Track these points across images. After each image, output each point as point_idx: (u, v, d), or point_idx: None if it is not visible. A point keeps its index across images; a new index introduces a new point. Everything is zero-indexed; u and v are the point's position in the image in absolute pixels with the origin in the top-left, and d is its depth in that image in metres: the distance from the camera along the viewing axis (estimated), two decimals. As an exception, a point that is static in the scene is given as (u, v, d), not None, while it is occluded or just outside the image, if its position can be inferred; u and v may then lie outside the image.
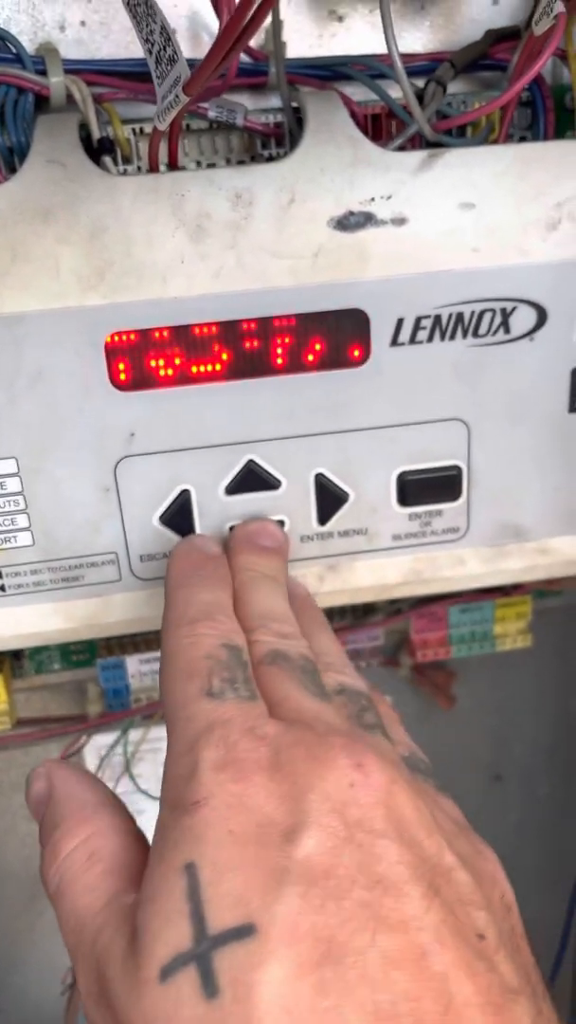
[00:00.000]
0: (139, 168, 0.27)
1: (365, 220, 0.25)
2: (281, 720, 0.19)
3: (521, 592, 0.37)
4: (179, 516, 0.28)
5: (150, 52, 0.21)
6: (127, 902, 0.18)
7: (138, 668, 0.36)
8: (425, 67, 0.29)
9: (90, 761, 0.42)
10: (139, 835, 0.20)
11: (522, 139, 0.29)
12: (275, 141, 0.28)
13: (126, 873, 0.19)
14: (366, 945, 0.15)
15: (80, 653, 0.37)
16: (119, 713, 0.36)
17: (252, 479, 0.28)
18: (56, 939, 0.44)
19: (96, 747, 0.42)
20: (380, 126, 0.28)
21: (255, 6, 0.17)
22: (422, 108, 0.26)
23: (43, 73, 0.27)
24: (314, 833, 0.17)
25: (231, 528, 0.28)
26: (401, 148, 0.26)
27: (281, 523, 0.28)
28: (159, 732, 0.42)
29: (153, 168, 0.25)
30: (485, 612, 0.37)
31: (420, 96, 0.27)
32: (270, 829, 0.17)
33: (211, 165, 0.28)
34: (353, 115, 0.27)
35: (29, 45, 0.28)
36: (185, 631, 0.21)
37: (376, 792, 0.18)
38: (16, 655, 0.36)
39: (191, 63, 0.26)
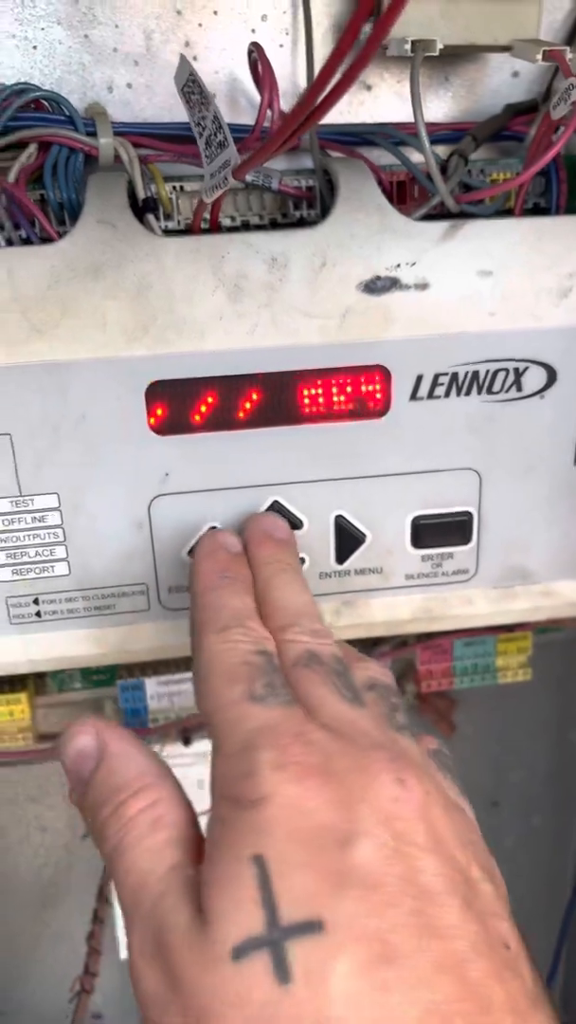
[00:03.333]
0: (179, 223, 0.29)
1: (391, 284, 0.27)
2: (322, 726, 0.20)
3: (523, 629, 0.38)
4: (206, 552, 0.29)
5: (200, 134, 0.23)
6: (190, 874, 0.19)
7: (156, 690, 0.37)
8: (447, 136, 0.31)
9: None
10: (192, 809, 0.21)
11: (535, 204, 0.31)
12: (306, 203, 0.30)
13: (188, 846, 0.20)
14: (417, 950, 0.17)
15: (100, 674, 0.38)
16: (136, 732, 0.37)
17: (276, 519, 0.29)
18: (64, 948, 0.45)
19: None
20: (404, 191, 0.30)
21: (318, 101, 0.19)
22: (445, 179, 0.28)
23: (93, 134, 0.29)
24: (367, 842, 0.18)
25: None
26: (425, 215, 0.28)
27: (302, 561, 0.30)
28: (174, 750, 0.44)
29: (196, 229, 0.27)
30: (487, 646, 0.39)
31: (443, 167, 0.29)
32: (326, 833, 0.18)
33: (245, 222, 0.30)
34: (379, 181, 0.29)
35: (78, 104, 0.30)
36: (220, 638, 0.23)
37: (416, 807, 0.19)
38: (39, 675, 0.38)
39: (230, 129, 0.28)
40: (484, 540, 0.31)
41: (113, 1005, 0.51)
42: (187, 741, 0.43)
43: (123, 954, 0.50)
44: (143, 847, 0.20)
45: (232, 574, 0.25)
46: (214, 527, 0.29)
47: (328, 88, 0.15)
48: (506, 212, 0.29)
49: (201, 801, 0.43)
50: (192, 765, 0.46)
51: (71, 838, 0.46)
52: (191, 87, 0.23)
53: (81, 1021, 0.42)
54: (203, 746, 0.44)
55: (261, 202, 0.30)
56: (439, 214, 0.28)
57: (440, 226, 0.27)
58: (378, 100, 0.31)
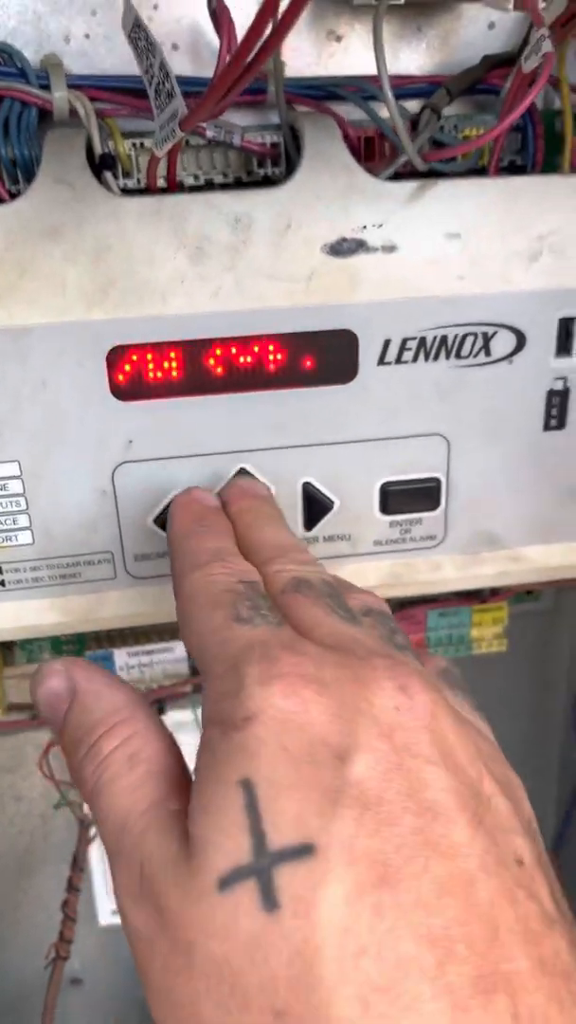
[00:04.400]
0: (138, 181, 0.28)
1: (357, 247, 0.27)
2: (316, 641, 0.19)
3: (498, 599, 0.38)
4: (172, 520, 0.29)
5: (149, 83, 0.22)
6: (172, 808, 0.18)
7: (126, 661, 0.37)
8: (421, 89, 0.30)
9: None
10: (172, 741, 0.20)
11: (511, 163, 0.30)
12: (271, 160, 0.29)
13: (167, 778, 0.19)
14: (419, 871, 0.16)
15: (70, 644, 0.38)
16: (108, 702, 0.37)
17: (243, 486, 0.29)
18: (40, 915, 0.46)
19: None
20: (374, 148, 0.29)
21: (255, 50, 0.18)
22: (416, 134, 0.27)
23: (47, 87, 0.28)
24: (365, 756, 0.17)
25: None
26: (395, 174, 0.27)
27: (269, 528, 0.30)
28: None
29: (152, 187, 0.26)
30: (462, 616, 0.39)
31: (415, 121, 0.28)
32: (322, 748, 0.17)
33: (208, 180, 0.29)
34: (347, 137, 0.28)
35: (33, 56, 0.29)
36: (199, 574, 0.21)
37: (421, 716, 0.18)
38: (7, 645, 0.38)
39: (192, 81, 0.27)
40: (452, 506, 0.30)
41: (92, 970, 0.52)
42: (162, 711, 0.43)
43: (102, 920, 0.51)
44: (121, 785, 0.19)
45: (209, 522, 0.24)
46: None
47: (267, 32, 0.14)
48: (480, 171, 0.29)
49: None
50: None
51: (46, 807, 0.46)
52: (137, 33, 0.22)
53: (56, 986, 0.43)
54: (179, 715, 0.44)
55: (225, 159, 0.29)
56: (410, 173, 0.27)
57: (408, 186, 0.27)
58: (348, 52, 0.31)
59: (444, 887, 0.16)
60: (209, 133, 0.28)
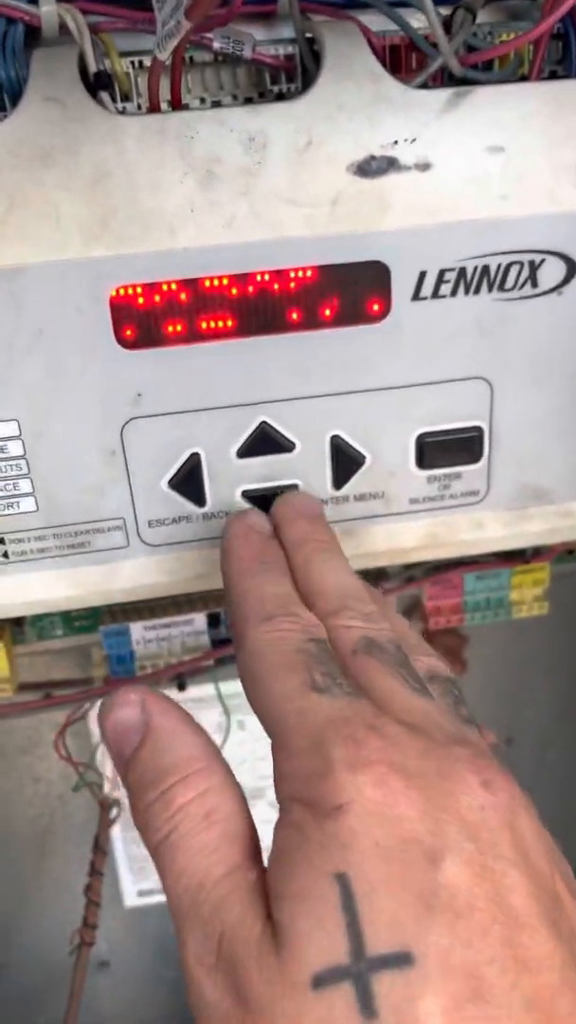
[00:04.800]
0: (139, 106, 0.25)
1: (387, 165, 0.24)
2: (396, 720, 0.19)
3: (541, 559, 0.36)
4: (189, 480, 0.26)
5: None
6: (251, 878, 0.18)
7: (142, 635, 0.35)
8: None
9: (95, 727, 0.42)
10: (244, 799, 0.19)
11: (552, 74, 0.27)
12: (286, 76, 0.26)
13: (244, 843, 0.18)
14: (510, 986, 0.16)
15: (83, 619, 0.36)
16: (123, 680, 0.35)
17: (265, 441, 0.26)
18: (64, 897, 0.44)
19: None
20: (400, 59, 0.26)
21: None
22: (449, 38, 0.24)
23: (34, 1, 0.25)
24: (456, 859, 0.16)
25: (243, 494, 0.27)
26: (424, 85, 0.24)
27: (295, 487, 0.27)
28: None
29: (154, 105, 0.23)
30: (502, 579, 0.36)
31: (447, 25, 0.25)
32: (413, 847, 0.16)
33: (216, 102, 0.26)
34: (371, 47, 0.25)
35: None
36: (266, 627, 0.21)
37: (504, 814, 0.17)
38: (17, 621, 0.36)
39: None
40: (496, 458, 0.28)
41: (119, 952, 0.51)
42: (182, 686, 0.41)
43: (127, 902, 0.49)
44: (197, 843, 0.18)
45: (270, 559, 0.23)
46: (195, 453, 0.26)
47: None
48: (520, 81, 0.26)
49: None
50: (192, 710, 0.44)
51: (64, 789, 0.44)
52: None
53: (82, 972, 0.41)
54: (200, 691, 0.42)
55: (234, 78, 0.26)
56: (443, 86, 0.24)
57: (443, 94, 0.23)
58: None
59: (532, 1002, 0.16)
60: (216, 44, 0.25)
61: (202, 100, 0.26)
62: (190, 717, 0.21)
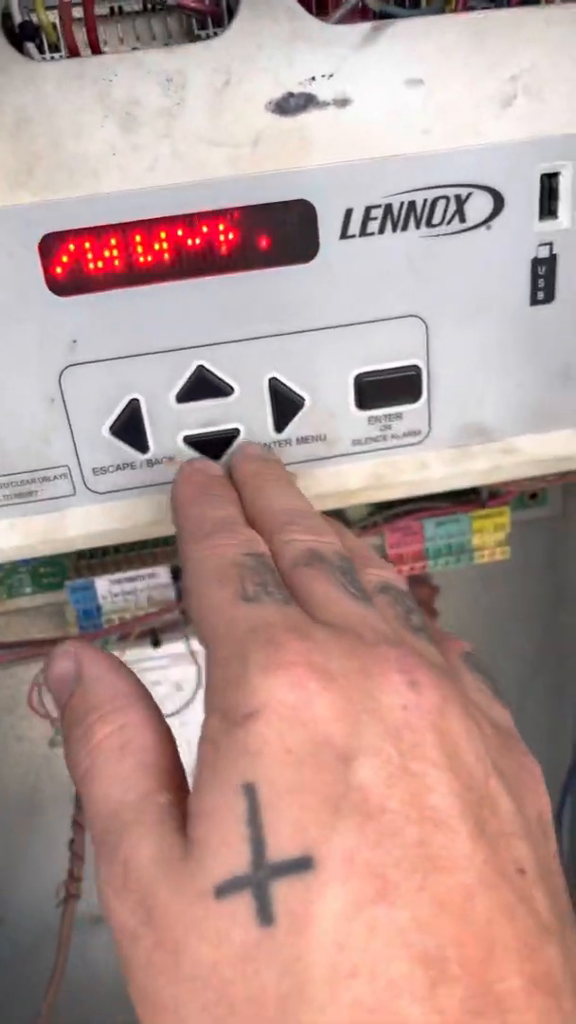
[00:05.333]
0: (69, 54, 0.25)
1: (306, 102, 0.24)
2: (324, 624, 0.18)
3: (498, 502, 0.36)
4: (130, 426, 0.27)
5: None
6: (162, 801, 0.18)
7: (108, 589, 0.35)
8: None
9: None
10: (168, 733, 0.20)
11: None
12: (213, 21, 0.26)
13: (157, 771, 0.19)
14: (417, 887, 0.15)
15: (50, 576, 0.36)
16: (90, 635, 0.35)
17: (203, 386, 0.27)
18: (54, 853, 0.45)
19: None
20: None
21: None
22: (367, -24, 0.24)
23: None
24: (370, 760, 0.16)
25: (185, 439, 0.27)
26: (345, 21, 0.24)
27: (236, 431, 0.28)
28: (137, 654, 0.42)
29: (72, 51, 0.23)
30: (462, 524, 0.37)
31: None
32: (326, 749, 0.16)
33: (150, 53, 0.26)
34: (295, -14, 0.25)
35: None
36: (205, 544, 0.21)
37: (429, 713, 0.17)
38: (-13, 580, 0.36)
39: None
40: (435, 396, 0.28)
41: (112, 908, 0.52)
42: (156, 643, 0.42)
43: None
44: (111, 773, 0.19)
45: (214, 491, 0.24)
46: (135, 399, 0.27)
47: None
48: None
49: (180, 701, 0.42)
50: (168, 667, 0.45)
51: (47, 746, 0.45)
52: None
53: (68, 925, 0.42)
54: (175, 647, 0.43)
55: (165, 27, 0.26)
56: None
57: (360, 28, 0.24)
58: None
59: (442, 904, 0.15)
60: (139, -10, 0.25)
61: (134, 50, 0.26)
62: (119, 663, 0.21)
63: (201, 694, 0.42)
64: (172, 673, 0.44)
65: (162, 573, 0.36)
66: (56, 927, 0.43)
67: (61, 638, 0.40)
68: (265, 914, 0.15)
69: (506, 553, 0.37)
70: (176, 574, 0.36)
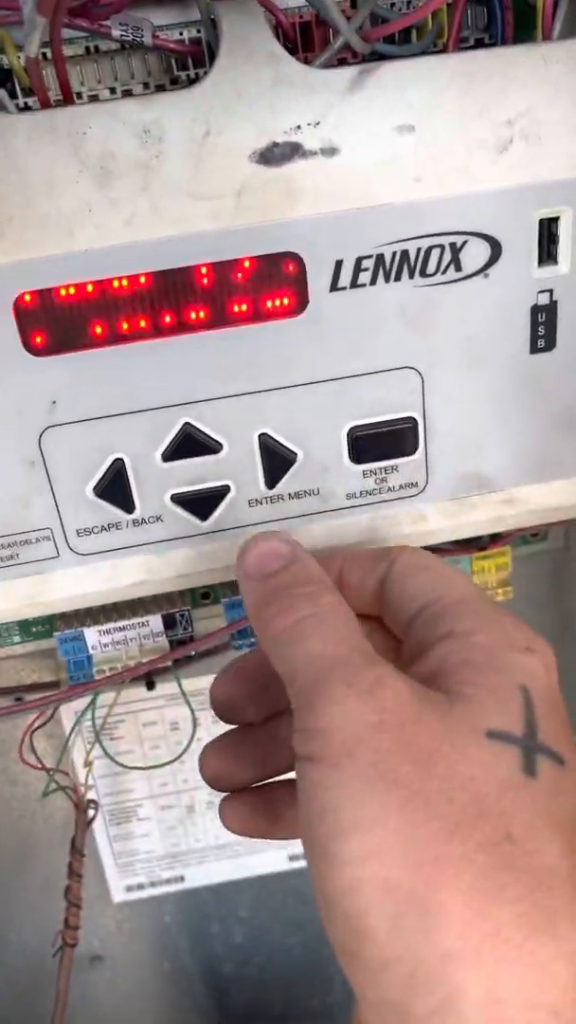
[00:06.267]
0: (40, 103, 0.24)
1: (291, 152, 0.23)
2: None
3: (499, 544, 0.35)
4: (114, 486, 0.26)
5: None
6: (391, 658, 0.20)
7: (99, 639, 0.34)
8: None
9: (67, 726, 0.42)
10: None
11: (479, 43, 0.26)
12: (193, 61, 0.25)
13: (362, 641, 0.20)
14: None
15: (39, 624, 0.35)
16: (81, 685, 0.34)
17: (190, 443, 0.26)
18: (49, 900, 0.44)
19: (72, 711, 0.41)
20: (311, 35, 0.25)
21: None
22: (355, 11, 0.23)
23: None
24: None
25: (172, 498, 0.26)
26: (338, 63, 0.23)
27: (227, 488, 0.27)
28: (135, 694, 0.41)
29: (43, 101, 0.22)
30: (462, 567, 0.36)
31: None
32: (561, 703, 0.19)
33: (127, 92, 0.25)
34: (280, 26, 0.24)
35: None
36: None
37: None
38: (-26, 629, 0.35)
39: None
40: (432, 448, 0.27)
41: (112, 946, 0.51)
42: (151, 685, 0.40)
43: (116, 898, 0.49)
44: (327, 632, 0.20)
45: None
46: (119, 459, 0.25)
47: None
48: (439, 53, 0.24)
49: (181, 742, 0.41)
50: (163, 707, 0.44)
51: (43, 790, 0.44)
52: None
53: (67, 972, 0.41)
54: (169, 688, 0.41)
55: (144, 66, 0.25)
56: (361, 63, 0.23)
57: (345, 73, 0.22)
58: None
59: None
60: (115, 32, 0.24)
61: (112, 91, 0.25)
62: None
63: (198, 735, 0.41)
64: (168, 713, 0.43)
65: (154, 621, 0.35)
66: (51, 972, 0.42)
67: (54, 683, 0.39)
68: (530, 769, 0.17)
69: (509, 594, 0.36)
70: (168, 622, 0.35)
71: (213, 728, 0.43)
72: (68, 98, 0.23)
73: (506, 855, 0.16)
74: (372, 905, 0.16)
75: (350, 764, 0.17)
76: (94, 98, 0.25)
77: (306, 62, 0.23)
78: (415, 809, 0.17)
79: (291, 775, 0.25)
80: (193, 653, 0.36)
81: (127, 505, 0.26)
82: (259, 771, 0.25)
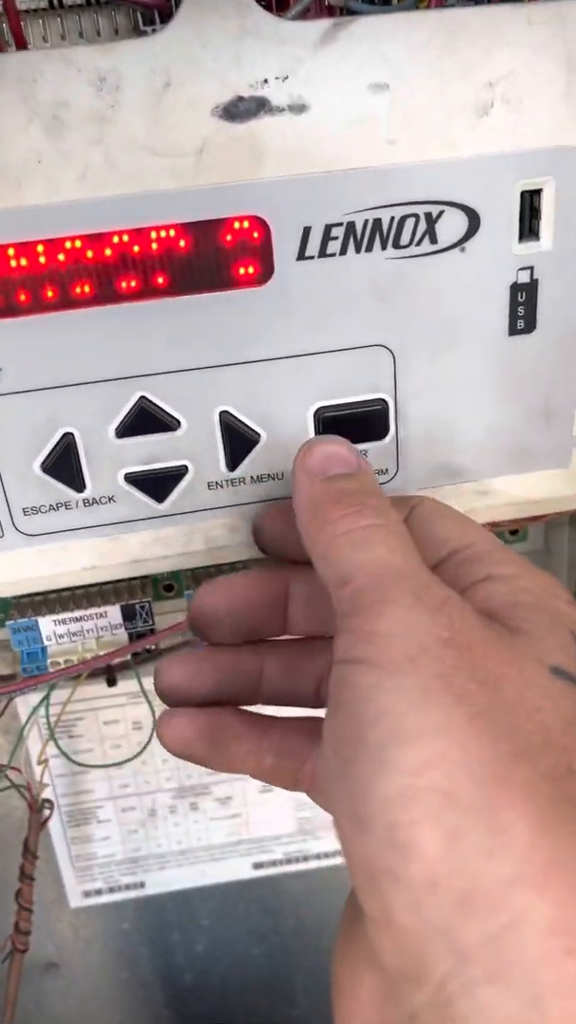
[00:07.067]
0: (3, 54, 0.23)
1: (257, 107, 0.21)
2: None
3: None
4: (63, 463, 0.24)
5: None
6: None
7: (53, 630, 0.33)
8: None
9: (23, 721, 0.40)
10: None
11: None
12: (160, 15, 0.23)
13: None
14: None
15: (-8, 613, 0.34)
16: (34, 678, 0.33)
17: (146, 419, 0.24)
18: (5, 899, 0.42)
19: (29, 705, 0.40)
20: (287, -6, 0.24)
21: None
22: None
23: None
24: None
25: (126, 477, 0.25)
26: (303, 18, 0.22)
27: (184, 469, 0.25)
28: (95, 691, 0.39)
29: (-6, 45, 0.21)
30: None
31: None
32: None
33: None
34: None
35: None
36: None
37: None
38: None
39: None
40: (403, 433, 0.25)
41: (67, 954, 0.49)
42: (112, 681, 0.39)
43: (72, 903, 0.47)
44: (394, 544, 0.19)
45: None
46: (69, 433, 0.24)
47: None
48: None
49: (139, 743, 0.39)
50: (124, 705, 0.42)
51: (-3, 789, 0.42)
52: None
53: (15, 980, 0.39)
54: (130, 686, 0.40)
55: (111, 23, 0.24)
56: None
57: (318, 25, 0.21)
58: None
59: None
60: (76, -20, 0.23)
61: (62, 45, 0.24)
62: None
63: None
64: (130, 712, 0.42)
65: (112, 612, 0.33)
66: (1, 978, 0.40)
67: (9, 675, 0.38)
68: None
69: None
70: (127, 613, 0.33)
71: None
72: (21, 43, 0.21)
73: (570, 788, 0.16)
74: (427, 817, 0.15)
75: (413, 671, 0.17)
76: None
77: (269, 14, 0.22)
78: (482, 727, 0.16)
79: (245, 707, 0.24)
80: (153, 647, 0.35)
81: (77, 483, 0.25)
82: (216, 693, 0.24)
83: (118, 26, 0.24)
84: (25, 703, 0.39)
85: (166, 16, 0.24)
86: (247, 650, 0.25)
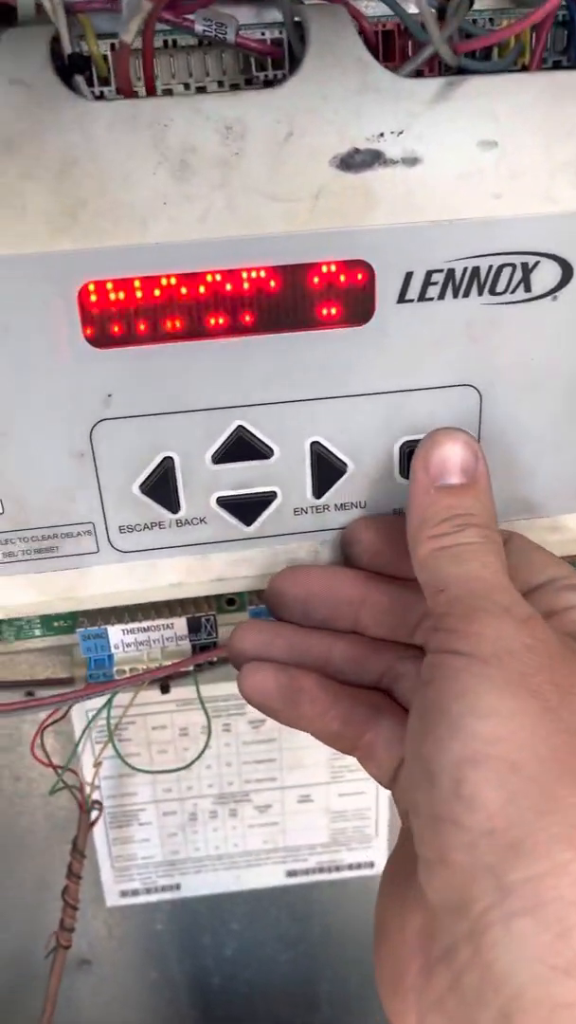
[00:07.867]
0: (119, 91, 0.24)
1: (373, 159, 0.22)
2: None
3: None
4: (162, 485, 0.25)
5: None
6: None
7: (121, 638, 0.34)
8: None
9: (77, 724, 0.41)
10: None
11: (556, 64, 0.25)
12: (272, 62, 0.24)
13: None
14: None
15: (61, 619, 0.35)
16: (101, 684, 0.34)
17: (242, 447, 0.25)
18: (44, 898, 0.43)
19: (84, 710, 0.41)
20: (393, 45, 0.25)
21: None
22: (442, 24, 0.23)
23: (9, -21, 0.23)
24: None
25: (218, 500, 0.26)
26: (416, 74, 0.23)
27: (273, 495, 0.26)
28: (149, 697, 0.40)
29: (125, 90, 0.22)
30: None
31: (441, 10, 0.24)
32: None
33: (201, 89, 0.25)
34: (363, 32, 0.23)
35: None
36: None
37: None
38: (-5, 620, 0.35)
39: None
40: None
41: (101, 951, 0.50)
42: (165, 689, 0.40)
43: (109, 902, 0.48)
44: (492, 562, 0.22)
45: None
46: (169, 457, 0.25)
47: None
48: (520, 72, 0.24)
49: (189, 748, 0.40)
50: (174, 712, 0.43)
51: (47, 787, 0.43)
52: None
53: (59, 975, 0.40)
54: (182, 693, 0.41)
55: (220, 63, 0.25)
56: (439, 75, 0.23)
57: (433, 84, 0.22)
58: None
59: None
60: (198, 27, 0.24)
61: (186, 86, 0.25)
62: None
63: (215, 743, 0.41)
64: (178, 718, 0.43)
65: (178, 624, 0.34)
66: (41, 972, 0.41)
67: (68, 679, 0.39)
68: None
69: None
70: (193, 626, 0.35)
71: (223, 736, 0.43)
72: (151, 90, 0.22)
73: None
74: (492, 778, 0.18)
75: (498, 665, 0.19)
76: (168, 92, 0.25)
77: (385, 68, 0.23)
78: (551, 720, 0.18)
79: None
80: (215, 659, 0.36)
81: (173, 505, 0.26)
82: (287, 660, 0.26)
83: (226, 68, 0.25)
84: (80, 707, 0.41)
85: (277, 64, 0.25)
86: (317, 634, 0.26)
